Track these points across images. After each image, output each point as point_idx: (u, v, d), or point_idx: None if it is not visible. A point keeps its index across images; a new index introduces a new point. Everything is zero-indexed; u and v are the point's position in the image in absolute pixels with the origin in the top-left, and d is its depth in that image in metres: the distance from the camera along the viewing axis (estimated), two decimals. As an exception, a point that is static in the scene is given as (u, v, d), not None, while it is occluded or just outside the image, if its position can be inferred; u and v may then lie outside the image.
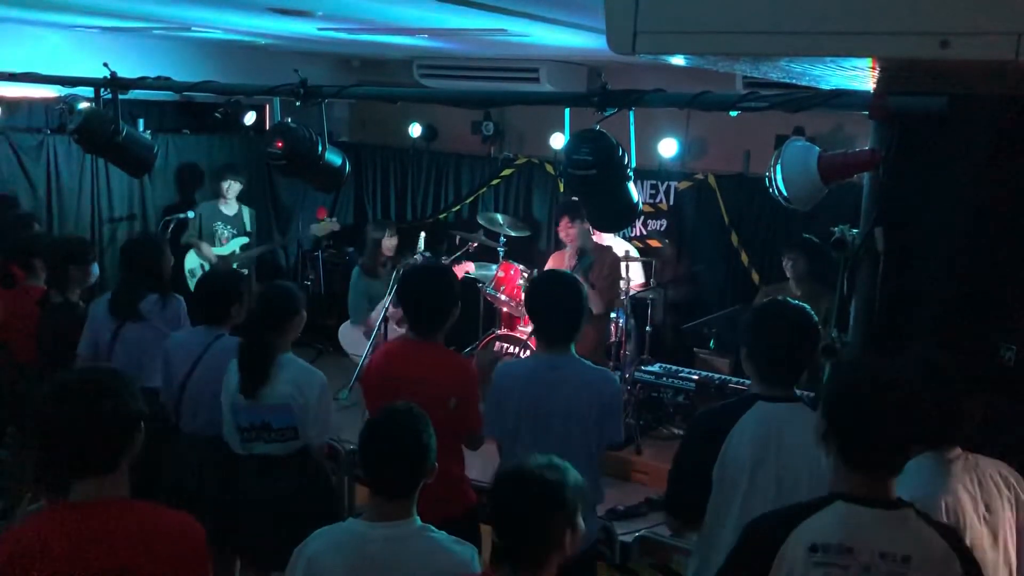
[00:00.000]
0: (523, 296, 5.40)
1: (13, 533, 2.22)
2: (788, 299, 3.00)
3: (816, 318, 2.88)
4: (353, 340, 6.56)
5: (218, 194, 7.42)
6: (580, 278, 5.36)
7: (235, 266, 7.29)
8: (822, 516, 2.09)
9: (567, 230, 5.88)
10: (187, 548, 2.23)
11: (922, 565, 2.03)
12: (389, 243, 6.73)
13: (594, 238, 6.54)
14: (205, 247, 7.31)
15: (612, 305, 5.74)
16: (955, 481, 2.40)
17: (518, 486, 2.28)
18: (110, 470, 2.19)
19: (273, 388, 3.59)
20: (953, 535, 2.15)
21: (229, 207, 7.42)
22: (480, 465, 3.74)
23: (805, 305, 2.91)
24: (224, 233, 7.38)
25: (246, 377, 3.59)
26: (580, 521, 2.29)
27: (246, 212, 7.52)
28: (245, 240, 7.44)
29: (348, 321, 6.84)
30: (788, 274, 5.59)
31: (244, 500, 3.69)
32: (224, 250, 7.36)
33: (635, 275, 6.62)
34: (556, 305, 3.46)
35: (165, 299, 4.39)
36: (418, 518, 2.52)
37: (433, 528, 2.52)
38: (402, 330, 6.51)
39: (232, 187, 7.38)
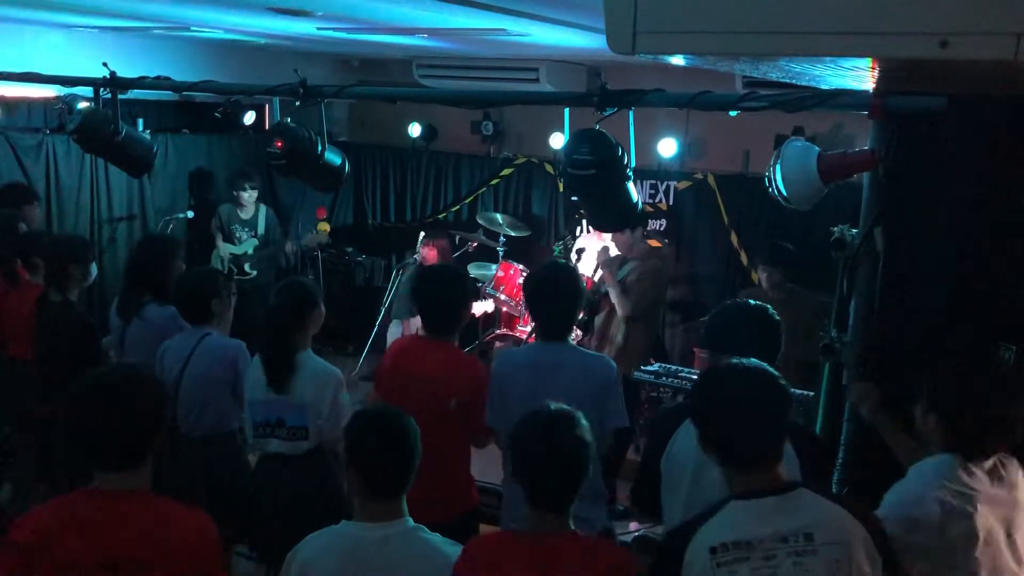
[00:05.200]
0: (521, 288, 5.38)
1: (36, 513, 2.32)
2: (748, 299, 3.06)
3: (778, 318, 2.92)
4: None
5: (236, 202, 7.40)
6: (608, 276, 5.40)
7: (247, 267, 7.30)
8: (717, 518, 2.13)
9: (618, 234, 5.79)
10: (200, 546, 2.28)
11: (828, 538, 2.05)
12: (425, 252, 6.71)
13: (596, 239, 6.54)
14: (220, 245, 7.33)
15: (639, 312, 5.57)
16: (981, 491, 2.35)
17: (545, 429, 2.34)
18: (137, 463, 2.28)
19: (292, 385, 3.60)
20: (852, 504, 2.16)
21: (246, 211, 7.40)
22: (480, 464, 3.75)
23: (767, 305, 2.96)
24: (241, 235, 7.38)
25: (271, 373, 3.59)
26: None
27: (262, 213, 7.49)
28: (256, 243, 7.43)
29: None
30: (764, 285, 5.59)
31: (252, 498, 3.69)
32: (238, 249, 7.35)
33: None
34: (553, 295, 3.47)
35: (163, 304, 4.37)
36: (410, 518, 2.50)
37: (425, 528, 2.50)
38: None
39: (249, 196, 7.36)
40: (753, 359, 2.26)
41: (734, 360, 2.26)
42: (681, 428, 2.77)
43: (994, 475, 2.40)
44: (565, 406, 2.42)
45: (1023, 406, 2.39)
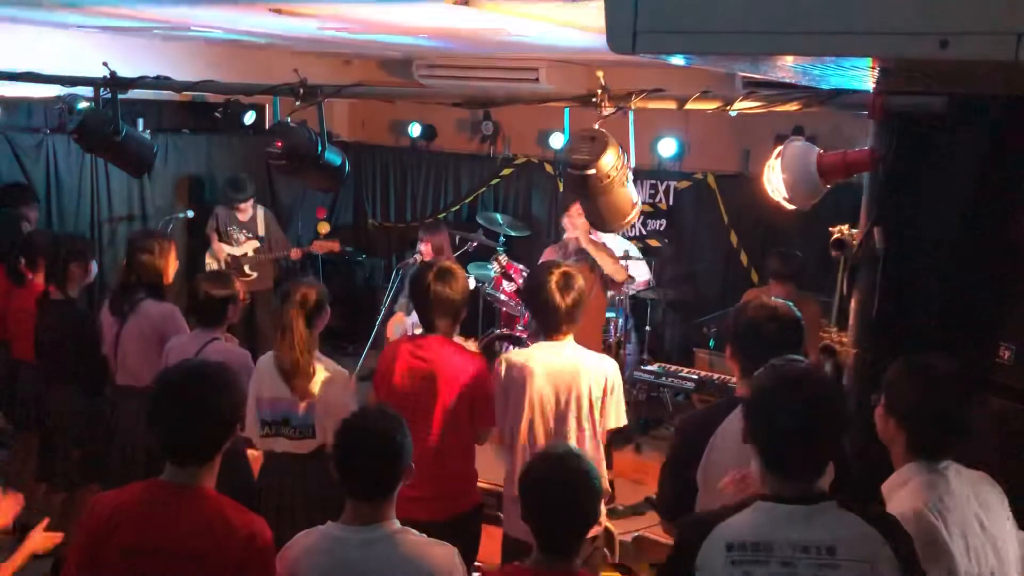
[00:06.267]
0: (520, 290, 5.34)
1: (108, 498, 2.42)
2: (772, 297, 3.01)
3: (799, 315, 2.87)
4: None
5: (231, 206, 7.40)
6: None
7: (246, 268, 7.30)
8: (740, 516, 2.10)
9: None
10: (250, 549, 2.32)
11: (851, 555, 2.02)
12: (422, 247, 6.68)
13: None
14: (216, 245, 7.31)
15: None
16: (954, 491, 2.34)
17: (554, 472, 2.35)
18: (206, 459, 2.39)
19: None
20: (882, 520, 2.12)
21: (244, 214, 7.39)
22: (480, 466, 3.74)
23: (788, 302, 2.92)
24: (240, 236, 7.37)
25: (289, 376, 3.59)
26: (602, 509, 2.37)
27: (260, 215, 7.47)
28: (257, 244, 7.43)
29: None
30: (771, 282, 5.57)
31: (258, 497, 3.69)
32: (237, 250, 7.35)
33: (635, 275, 6.62)
34: (552, 295, 3.47)
35: (158, 302, 4.37)
36: (396, 520, 2.48)
37: (411, 530, 2.48)
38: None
39: (245, 205, 7.35)
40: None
41: (800, 364, 2.21)
42: (716, 433, 2.70)
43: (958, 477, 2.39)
44: (574, 449, 2.45)
45: (971, 406, 2.39)
